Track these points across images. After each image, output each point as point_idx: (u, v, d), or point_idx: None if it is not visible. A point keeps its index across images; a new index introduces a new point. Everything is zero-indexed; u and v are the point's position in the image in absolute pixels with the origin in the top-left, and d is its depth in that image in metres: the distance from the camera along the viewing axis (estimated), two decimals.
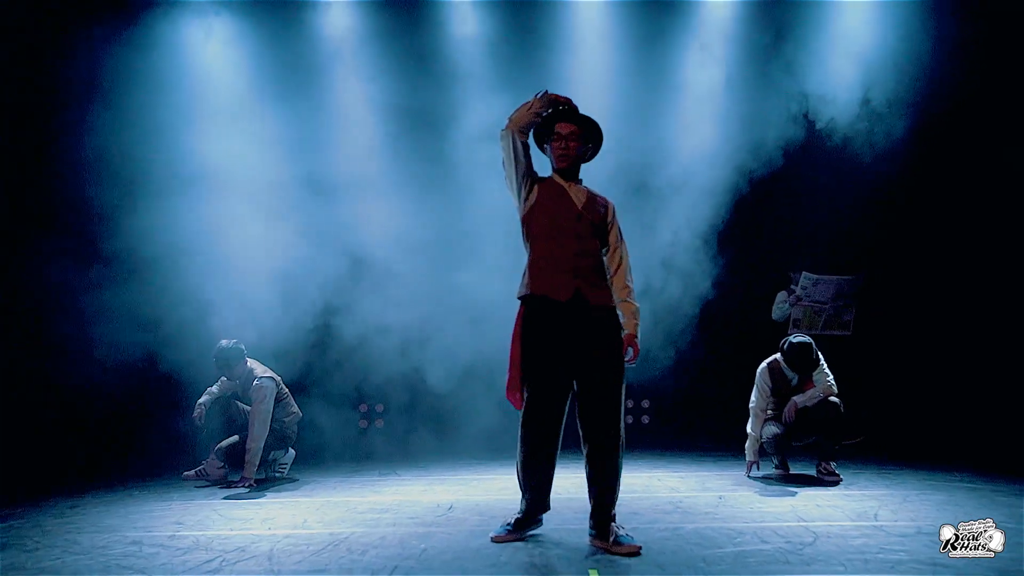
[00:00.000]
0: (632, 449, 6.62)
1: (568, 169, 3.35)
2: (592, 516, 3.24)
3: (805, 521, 3.63)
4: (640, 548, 3.08)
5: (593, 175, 3.63)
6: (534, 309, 3.23)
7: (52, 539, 3.50)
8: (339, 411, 7.27)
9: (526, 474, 3.30)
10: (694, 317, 7.34)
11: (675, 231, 7.24)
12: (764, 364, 4.99)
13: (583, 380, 3.21)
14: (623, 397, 3.23)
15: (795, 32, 7.26)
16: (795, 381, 4.91)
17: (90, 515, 4.04)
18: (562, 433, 3.28)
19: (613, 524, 3.20)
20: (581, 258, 3.24)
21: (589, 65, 7.27)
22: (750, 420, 4.95)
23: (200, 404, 5.04)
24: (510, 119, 3.25)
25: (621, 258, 3.37)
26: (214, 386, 5.15)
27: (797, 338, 4.85)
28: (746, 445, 4.96)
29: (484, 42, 7.08)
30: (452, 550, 3.18)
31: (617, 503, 3.27)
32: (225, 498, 4.47)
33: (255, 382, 4.93)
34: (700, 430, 7.09)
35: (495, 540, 3.28)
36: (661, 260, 7.19)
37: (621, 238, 3.41)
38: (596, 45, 7.34)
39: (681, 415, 7.57)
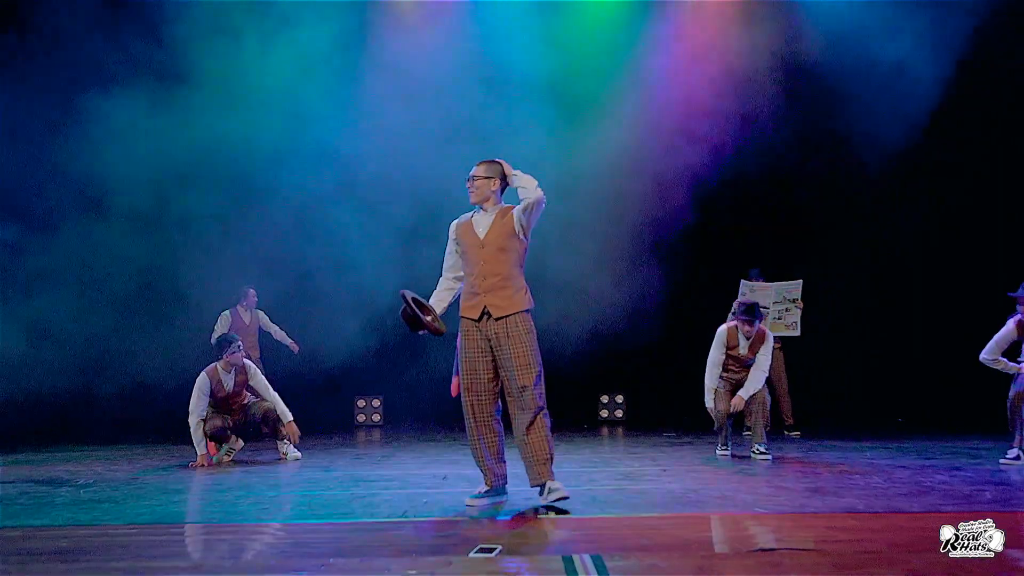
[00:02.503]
0: (605, 437, 7.92)
1: (478, 204, 4.33)
2: (531, 478, 4.22)
3: (721, 484, 4.89)
4: (567, 495, 4.14)
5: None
6: (461, 328, 4.33)
7: (148, 497, 4.71)
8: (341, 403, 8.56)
9: (476, 459, 4.39)
10: (660, 322, 8.65)
11: (633, 239, 8.60)
12: (723, 327, 6.20)
13: (504, 373, 4.24)
14: (535, 383, 4.15)
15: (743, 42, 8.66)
16: (743, 348, 6.09)
17: (150, 484, 5.25)
18: (498, 423, 4.33)
19: (549, 483, 4.19)
20: (486, 279, 4.20)
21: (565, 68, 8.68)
22: (707, 372, 6.14)
23: (199, 444, 6.00)
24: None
25: (522, 199, 4.19)
26: (198, 410, 6.04)
27: (744, 300, 6.23)
28: (706, 399, 6.12)
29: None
30: (448, 502, 4.40)
31: (554, 465, 4.30)
32: (255, 476, 5.69)
33: (247, 363, 6.30)
34: (665, 420, 8.35)
35: (469, 505, 4.28)
36: (627, 268, 8.51)
37: (531, 223, 4.25)
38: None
39: (649, 408, 8.88)
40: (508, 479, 4.47)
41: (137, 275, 8.36)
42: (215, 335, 7.44)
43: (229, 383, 6.19)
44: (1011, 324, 5.61)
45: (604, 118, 8.77)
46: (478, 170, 4.36)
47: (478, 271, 4.27)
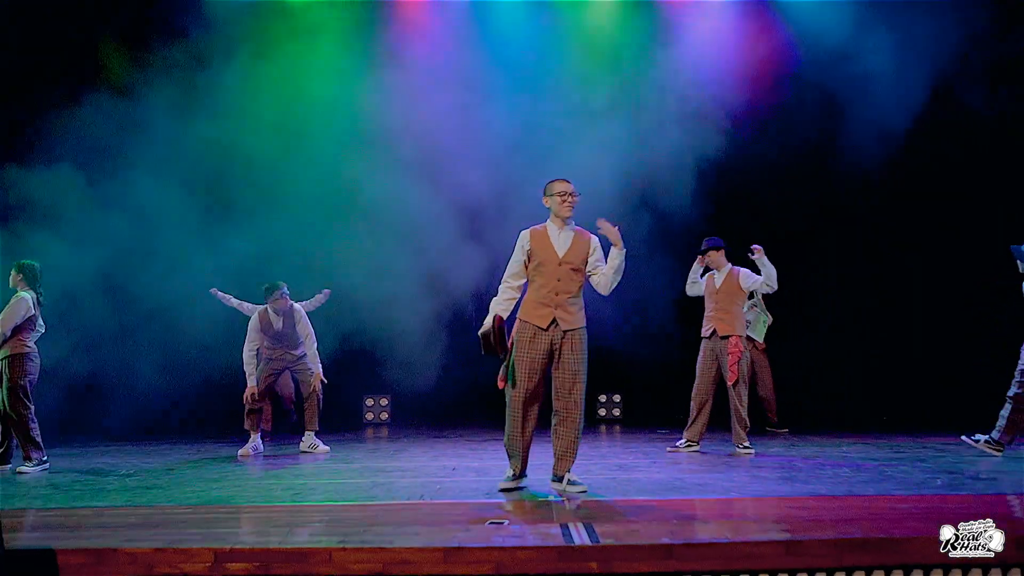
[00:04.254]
0: (603, 434, 8.67)
1: (567, 218, 4.97)
2: (555, 468, 5.08)
3: (704, 474, 5.65)
4: (586, 489, 4.97)
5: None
6: (523, 330, 4.96)
7: (190, 484, 5.46)
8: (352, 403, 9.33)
9: (512, 448, 5.06)
10: (657, 324, 9.41)
11: (631, 243, 9.38)
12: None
13: (557, 375, 4.94)
14: (584, 388, 4.93)
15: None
16: (718, 281, 6.88)
17: (188, 474, 6.00)
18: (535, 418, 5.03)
19: (568, 474, 5.04)
20: (559, 294, 4.84)
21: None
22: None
23: (249, 376, 7.07)
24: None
25: (603, 275, 4.92)
26: (251, 343, 7.15)
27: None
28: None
29: None
30: (459, 488, 5.15)
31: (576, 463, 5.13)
32: (281, 468, 6.44)
33: (295, 307, 7.26)
34: (660, 419, 9.11)
35: (503, 489, 4.97)
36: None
37: (604, 261, 4.95)
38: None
39: (646, 407, 9.65)
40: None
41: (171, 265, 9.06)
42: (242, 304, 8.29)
43: (278, 323, 7.19)
44: None
45: (601, 118, 9.54)
46: (574, 187, 4.96)
47: (552, 286, 4.87)
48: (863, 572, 3.24)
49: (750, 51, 9.62)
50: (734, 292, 6.81)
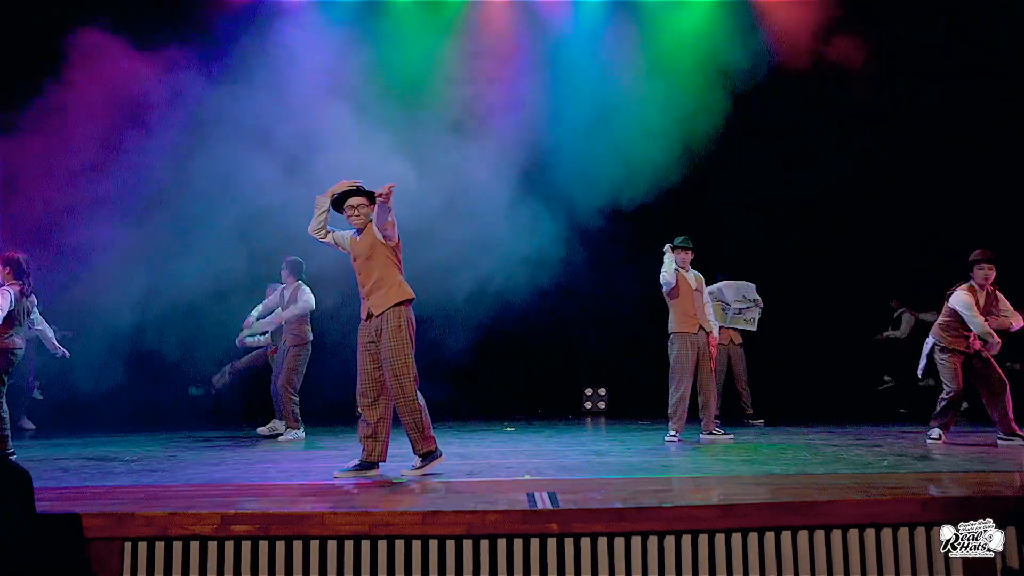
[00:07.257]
0: (588, 425, 9.24)
1: (359, 228, 5.38)
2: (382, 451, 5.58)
3: (674, 457, 6.22)
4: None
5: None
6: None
7: (192, 468, 6.01)
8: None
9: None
10: (642, 320, 9.96)
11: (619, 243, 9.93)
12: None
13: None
14: (404, 370, 5.30)
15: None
16: (692, 282, 7.40)
17: (188, 459, 6.55)
18: (373, 399, 5.52)
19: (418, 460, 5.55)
20: (364, 286, 5.34)
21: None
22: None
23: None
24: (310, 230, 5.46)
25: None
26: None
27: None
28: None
29: None
30: (442, 469, 5.70)
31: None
32: (277, 454, 7.01)
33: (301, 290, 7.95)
34: (644, 412, 9.68)
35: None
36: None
37: (387, 232, 5.24)
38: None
39: (630, 400, 10.23)
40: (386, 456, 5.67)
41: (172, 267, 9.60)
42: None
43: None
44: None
45: (593, 118, 10.10)
46: (360, 200, 5.32)
47: (359, 281, 5.42)
48: (790, 532, 3.80)
49: (740, 48, 10.16)
50: (702, 290, 7.40)
